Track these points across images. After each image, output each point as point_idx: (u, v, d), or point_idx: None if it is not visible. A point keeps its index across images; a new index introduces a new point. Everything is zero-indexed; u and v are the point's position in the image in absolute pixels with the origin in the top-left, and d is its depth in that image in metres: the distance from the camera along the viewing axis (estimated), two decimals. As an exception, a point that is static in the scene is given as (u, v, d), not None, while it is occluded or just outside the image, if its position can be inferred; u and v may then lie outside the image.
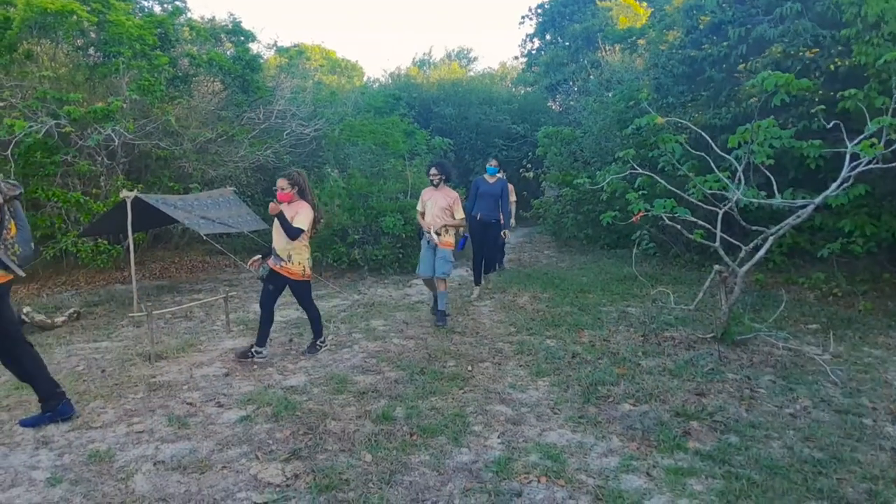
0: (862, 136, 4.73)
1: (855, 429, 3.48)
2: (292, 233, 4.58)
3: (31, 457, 3.19)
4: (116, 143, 7.55)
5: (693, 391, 4.03)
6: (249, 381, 4.32)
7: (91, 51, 8.64)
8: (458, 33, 63.77)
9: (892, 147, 4.78)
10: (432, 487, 2.86)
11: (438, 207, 5.73)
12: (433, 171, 5.86)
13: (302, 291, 4.90)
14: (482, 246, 7.08)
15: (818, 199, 4.84)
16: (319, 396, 3.98)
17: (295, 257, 4.72)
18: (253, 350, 4.76)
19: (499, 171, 7.41)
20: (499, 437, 3.38)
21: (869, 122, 4.75)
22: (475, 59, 34.35)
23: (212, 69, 9.57)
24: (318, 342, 5.01)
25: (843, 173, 4.78)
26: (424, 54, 29.92)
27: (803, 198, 5.33)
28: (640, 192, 5.91)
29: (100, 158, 7.90)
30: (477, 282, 7.03)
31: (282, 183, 4.69)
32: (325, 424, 3.52)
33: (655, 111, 6.24)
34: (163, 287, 7.89)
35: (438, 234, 5.65)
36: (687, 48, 9.31)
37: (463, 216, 5.80)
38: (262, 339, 4.79)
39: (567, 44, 20.49)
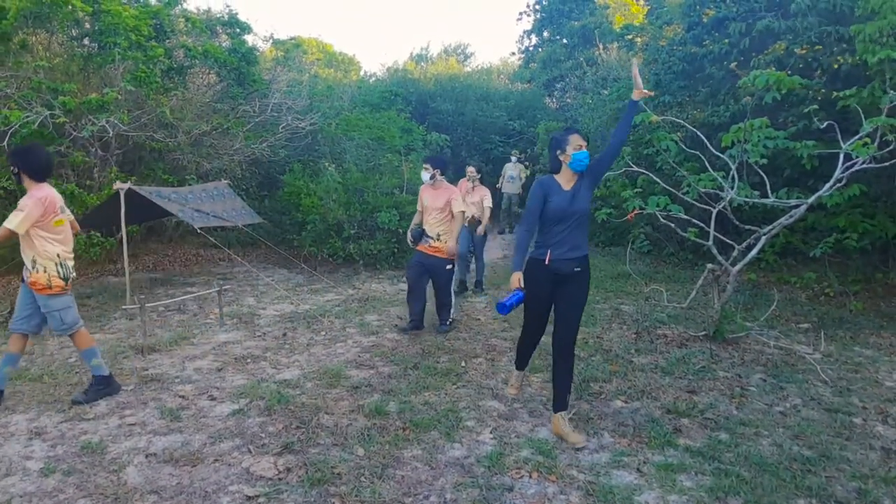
0: (857, 136, 4.75)
1: (845, 427, 3.51)
2: None
3: (24, 447, 3.18)
4: (111, 135, 7.49)
5: (684, 388, 4.05)
6: (242, 374, 4.31)
7: (86, 41, 8.57)
8: (456, 28, 63.61)
9: (889, 148, 4.81)
10: (424, 482, 2.87)
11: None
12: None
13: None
14: (543, 310, 3.52)
15: (811, 199, 4.86)
16: (312, 390, 3.99)
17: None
18: None
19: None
20: (491, 433, 3.39)
21: (864, 122, 4.78)
22: (472, 54, 34.32)
23: (207, 61, 9.51)
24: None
25: (837, 173, 4.80)
26: (422, 49, 29.79)
27: (798, 197, 5.35)
28: (636, 190, 5.92)
29: (93, 150, 7.85)
30: (519, 364, 3.82)
31: None
32: (317, 418, 3.53)
33: (653, 109, 6.25)
34: (156, 280, 7.86)
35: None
36: (688, 44, 9.29)
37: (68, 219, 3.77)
38: None
39: (564, 41, 20.47)
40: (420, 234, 5.47)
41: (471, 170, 7.01)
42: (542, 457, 3.09)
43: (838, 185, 4.87)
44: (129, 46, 7.95)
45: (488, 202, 6.92)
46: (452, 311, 5.53)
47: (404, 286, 7.56)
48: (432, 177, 5.41)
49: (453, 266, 5.47)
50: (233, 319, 5.88)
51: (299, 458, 3.08)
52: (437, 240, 5.30)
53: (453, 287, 5.73)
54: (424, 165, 5.49)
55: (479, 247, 7.21)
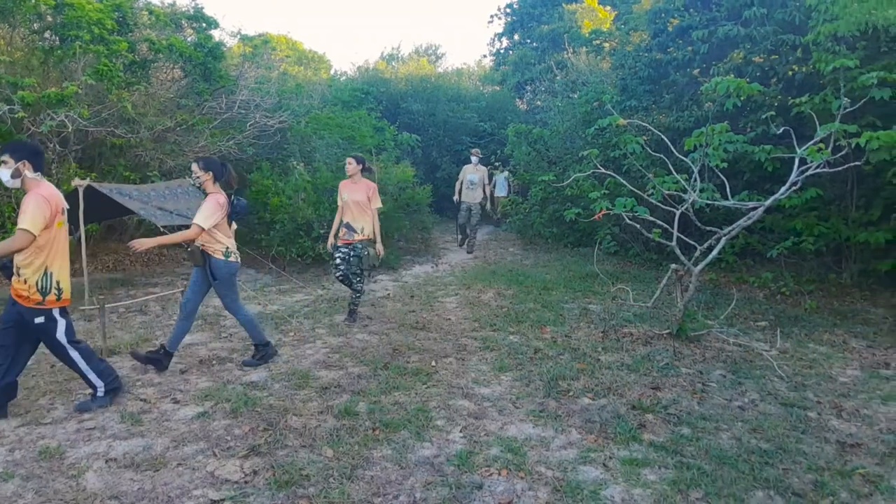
0: (811, 142, 4.95)
1: (800, 421, 3.64)
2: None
3: (-26, 454, 3.05)
4: (69, 130, 7.24)
5: (649, 385, 4.15)
6: (207, 377, 4.23)
7: (47, 34, 8.27)
8: (427, 29, 63.69)
9: (842, 153, 5.03)
10: (394, 482, 2.87)
11: None
12: None
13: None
14: None
15: (768, 202, 5.04)
16: (280, 392, 3.93)
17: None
18: None
19: None
20: (461, 432, 3.40)
21: (818, 128, 4.98)
22: (443, 55, 34.43)
23: (172, 55, 9.26)
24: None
25: (792, 177, 4.99)
26: (393, 49, 29.74)
27: (756, 200, 5.54)
28: (604, 192, 6.04)
29: (52, 145, 7.58)
30: None
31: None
32: (285, 420, 3.48)
33: (619, 113, 6.39)
34: (116, 280, 7.63)
35: None
36: (653, 51, 9.53)
37: None
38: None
39: (535, 44, 20.71)
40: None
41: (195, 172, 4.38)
42: (512, 454, 3.13)
43: (794, 188, 5.06)
44: (92, 40, 7.71)
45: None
46: (100, 392, 3.63)
47: (374, 286, 7.54)
48: (15, 174, 3.43)
49: (48, 319, 3.59)
50: (197, 321, 5.74)
51: (266, 460, 3.03)
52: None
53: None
54: (1, 158, 3.44)
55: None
